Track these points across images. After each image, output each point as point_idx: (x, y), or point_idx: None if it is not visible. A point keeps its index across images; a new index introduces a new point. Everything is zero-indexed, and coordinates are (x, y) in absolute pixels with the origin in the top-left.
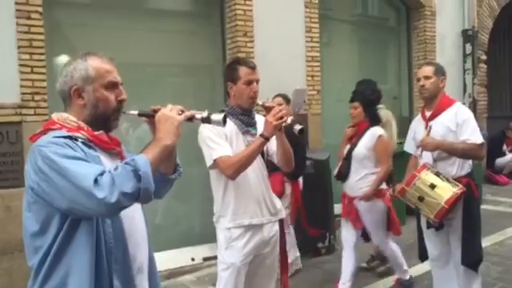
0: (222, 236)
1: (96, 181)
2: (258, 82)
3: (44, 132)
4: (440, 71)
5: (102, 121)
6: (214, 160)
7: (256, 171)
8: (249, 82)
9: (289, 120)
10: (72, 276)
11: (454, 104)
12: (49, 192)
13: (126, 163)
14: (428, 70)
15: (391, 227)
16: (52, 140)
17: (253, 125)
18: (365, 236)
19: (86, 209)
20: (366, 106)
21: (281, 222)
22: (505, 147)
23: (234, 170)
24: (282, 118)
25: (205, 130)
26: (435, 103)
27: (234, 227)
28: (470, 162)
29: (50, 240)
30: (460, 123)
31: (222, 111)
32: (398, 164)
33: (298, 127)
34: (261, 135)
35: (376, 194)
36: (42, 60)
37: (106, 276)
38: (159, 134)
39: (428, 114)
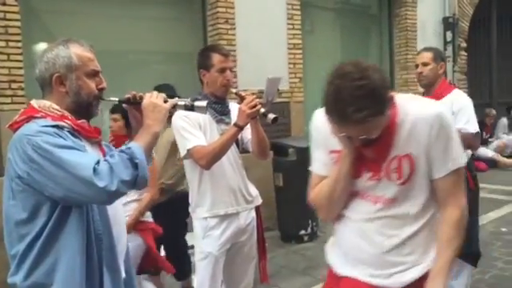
0: (198, 226)
1: (95, 170)
2: (231, 69)
3: (27, 120)
4: (439, 57)
5: (84, 108)
6: (188, 150)
7: (231, 160)
8: (222, 70)
9: (262, 109)
10: (62, 262)
11: (452, 91)
12: (40, 181)
13: (122, 151)
14: (426, 56)
15: (153, 266)
16: (41, 129)
17: (227, 113)
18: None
19: (84, 197)
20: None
21: (257, 208)
22: (484, 134)
23: (208, 159)
24: (255, 106)
25: (178, 120)
26: (433, 90)
27: (210, 217)
28: (468, 152)
29: (38, 227)
30: (456, 111)
31: (195, 99)
32: None
33: (271, 116)
34: (234, 124)
35: (137, 226)
36: (18, 47)
37: (96, 263)
38: (148, 122)
39: None
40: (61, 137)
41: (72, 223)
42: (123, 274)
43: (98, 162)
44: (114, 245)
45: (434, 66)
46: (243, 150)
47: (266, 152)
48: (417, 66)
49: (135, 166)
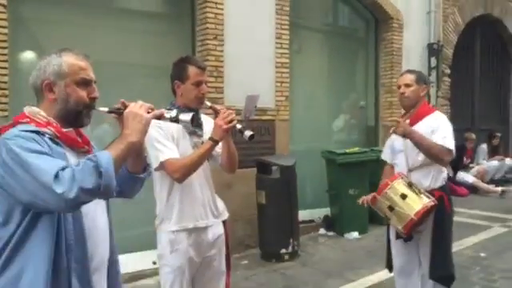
0: (165, 239)
1: (57, 175)
2: (206, 83)
3: (14, 125)
4: (421, 80)
5: (73, 117)
6: (161, 162)
7: (201, 174)
8: (198, 83)
9: (238, 125)
10: (28, 269)
11: (432, 113)
12: (11, 184)
13: (89, 159)
14: (409, 78)
15: None
16: (18, 133)
17: (199, 125)
18: None
19: (46, 203)
20: None
21: (224, 223)
22: (464, 159)
23: (182, 173)
24: (231, 121)
25: (151, 129)
26: (414, 111)
27: (178, 230)
28: (445, 174)
29: (10, 232)
30: (435, 129)
31: (170, 109)
32: (363, 173)
33: (248, 133)
34: (210, 138)
35: None
36: (4, 54)
37: (65, 274)
38: (126, 131)
39: (407, 122)
40: (36, 142)
41: (41, 231)
42: None
43: (63, 169)
44: (86, 257)
45: (416, 87)
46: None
47: (235, 167)
48: (399, 87)
49: (99, 174)
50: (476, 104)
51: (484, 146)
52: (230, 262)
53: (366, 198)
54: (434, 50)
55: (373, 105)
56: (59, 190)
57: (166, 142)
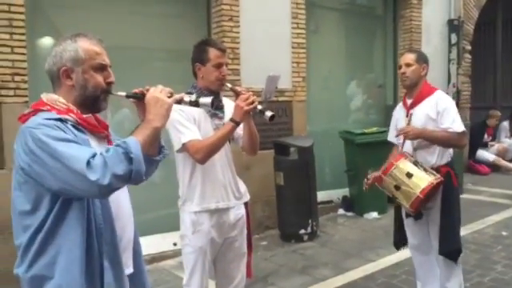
0: (188, 220)
1: (88, 163)
2: (227, 65)
3: (34, 113)
4: (422, 59)
5: (91, 102)
6: (184, 144)
7: (222, 155)
8: (218, 65)
9: (259, 106)
10: (62, 255)
11: (434, 92)
12: (40, 173)
13: (118, 145)
14: (409, 58)
15: None
16: (43, 122)
17: (220, 108)
18: None
19: (79, 190)
20: None
21: (246, 204)
22: (486, 137)
23: (204, 154)
24: (252, 103)
25: (173, 113)
26: (416, 91)
27: (200, 211)
28: (451, 151)
29: (40, 219)
30: (440, 111)
31: (190, 93)
32: (381, 153)
33: (269, 113)
34: (231, 120)
35: None
36: (22, 40)
37: (97, 257)
38: (149, 116)
39: (409, 101)
40: (61, 130)
41: (72, 217)
42: (130, 269)
43: (93, 156)
44: (116, 239)
45: (416, 67)
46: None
47: (256, 149)
48: (400, 66)
49: (130, 160)
50: (498, 81)
51: (506, 124)
52: (252, 243)
53: (369, 183)
54: (454, 26)
55: (392, 84)
56: (93, 177)
57: (188, 124)
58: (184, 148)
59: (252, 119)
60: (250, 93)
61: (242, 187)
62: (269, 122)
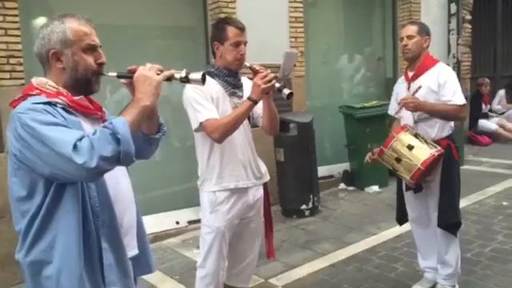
0: (206, 199)
1: (75, 146)
2: (245, 43)
3: (23, 98)
4: (424, 30)
5: (83, 84)
6: (201, 123)
7: (242, 134)
8: (237, 44)
9: (277, 84)
10: (59, 239)
11: (436, 64)
12: (31, 158)
13: (105, 126)
14: (411, 30)
15: None
16: (30, 106)
17: (239, 87)
18: None
19: (68, 174)
20: None
21: (265, 185)
22: (483, 106)
23: (222, 133)
24: (270, 81)
25: (190, 91)
26: (418, 63)
27: (219, 190)
28: (452, 124)
29: (36, 205)
30: (442, 84)
31: (208, 72)
32: (382, 127)
33: (286, 91)
34: (249, 98)
35: None
36: (15, 22)
37: (95, 238)
38: (138, 95)
39: (410, 74)
40: (50, 114)
41: (67, 201)
42: (135, 251)
43: (81, 139)
44: (115, 221)
45: (418, 39)
46: (252, 125)
47: (276, 128)
48: (402, 39)
49: (117, 141)
50: (498, 51)
51: (502, 92)
52: (273, 224)
53: (373, 157)
54: None
55: (391, 56)
56: (79, 160)
57: (205, 102)
58: (201, 127)
59: (271, 98)
60: (268, 70)
61: (263, 167)
62: (286, 100)
